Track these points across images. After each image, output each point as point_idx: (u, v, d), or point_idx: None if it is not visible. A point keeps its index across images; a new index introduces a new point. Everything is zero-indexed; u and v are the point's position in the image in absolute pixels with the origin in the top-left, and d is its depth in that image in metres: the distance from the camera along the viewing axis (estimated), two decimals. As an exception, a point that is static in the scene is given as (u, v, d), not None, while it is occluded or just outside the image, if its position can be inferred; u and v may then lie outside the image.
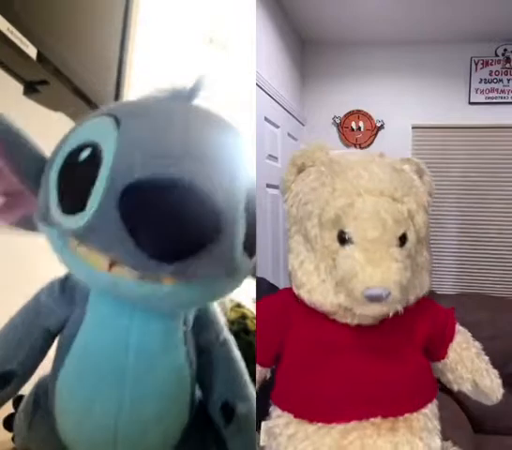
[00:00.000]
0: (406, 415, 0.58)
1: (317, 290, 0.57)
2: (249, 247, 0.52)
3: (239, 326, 1.04)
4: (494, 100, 2.01)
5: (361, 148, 2.06)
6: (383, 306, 0.54)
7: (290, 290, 0.62)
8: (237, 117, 0.57)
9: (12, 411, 0.72)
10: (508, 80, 2.00)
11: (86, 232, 0.46)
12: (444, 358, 0.65)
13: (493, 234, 2.02)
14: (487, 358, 0.67)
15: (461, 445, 0.74)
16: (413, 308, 0.61)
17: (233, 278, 0.53)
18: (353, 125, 2.09)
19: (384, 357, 0.59)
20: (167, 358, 0.58)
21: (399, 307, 0.56)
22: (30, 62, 0.75)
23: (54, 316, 0.61)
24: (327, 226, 0.56)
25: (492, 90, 2.01)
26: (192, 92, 0.53)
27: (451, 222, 2.03)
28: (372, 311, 0.55)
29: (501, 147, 2.01)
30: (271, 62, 1.69)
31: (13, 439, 0.71)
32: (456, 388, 0.66)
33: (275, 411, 0.61)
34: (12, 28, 0.68)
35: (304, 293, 0.58)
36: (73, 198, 0.48)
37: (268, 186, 1.63)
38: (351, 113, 2.09)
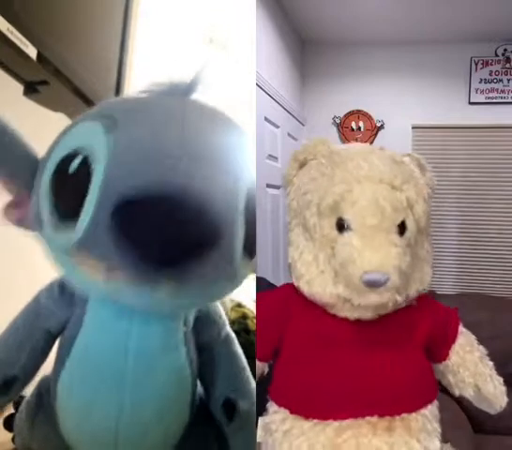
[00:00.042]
0: (404, 415, 0.57)
1: (316, 280, 0.57)
2: (249, 249, 0.51)
3: (240, 326, 1.04)
4: (494, 100, 2.01)
5: (361, 148, 2.05)
6: (381, 294, 0.53)
7: (290, 285, 0.62)
8: (237, 117, 0.57)
9: (12, 411, 0.72)
10: (508, 80, 2.00)
11: (81, 241, 0.46)
12: (445, 360, 0.64)
13: (493, 234, 2.02)
14: (491, 364, 0.66)
15: (461, 445, 0.73)
16: (414, 306, 0.60)
17: (233, 281, 0.53)
18: (353, 125, 2.09)
19: (384, 354, 0.58)
20: (167, 359, 0.58)
21: (399, 298, 0.55)
22: (30, 62, 0.75)
23: (55, 317, 0.60)
24: (326, 213, 0.56)
25: (492, 90, 2.01)
26: (190, 86, 0.53)
27: (451, 222, 2.03)
28: (371, 301, 0.53)
29: (501, 147, 2.01)
30: (271, 62, 1.69)
31: (13, 439, 0.71)
32: (457, 393, 0.65)
33: (272, 406, 0.60)
34: (12, 28, 0.68)
35: (303, 285, 0.58)
36: (67, 208, 0.47)
37: (268, 186, 1.63)
38: (351, 113, 2.09)
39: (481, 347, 0.66)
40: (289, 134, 1.88)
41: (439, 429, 0.60)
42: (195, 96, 0.53)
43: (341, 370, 0.57)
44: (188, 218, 0.43)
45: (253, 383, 0.66)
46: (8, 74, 0.78)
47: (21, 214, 0.55)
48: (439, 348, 0.64)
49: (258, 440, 0.62)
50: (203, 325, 0.64)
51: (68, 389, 0.58)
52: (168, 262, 0.43)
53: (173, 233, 0.42)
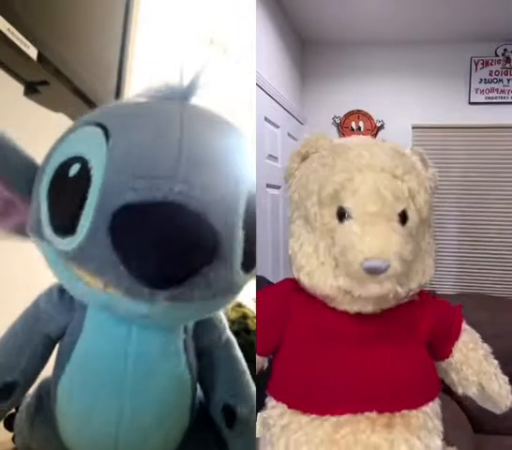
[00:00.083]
0: (404, 412, 0.55)
1: (316, 272, 0.56)
2: (250, 253, 0.51)
3: (240, 326, 1.04)
4: (494, 100, 2.01)
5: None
6: (382, 284, 0.52)
7: (289, 280, 0.61)
8: (237, 117, 0.57)
9: (13, 410, 0.72)
10: (508, 80, 2.00)
11: (79, 255, 0.45)
12: (448, 357, 0.63)
13: (493, 234, 2.02)
14: (496, 362, 0.64)
15: (461, 445, 0.73)
16: (416, 301, 0.60)
17: (232, 294, 0.53)
18: (353, 125, 2.09)
19: (384, 348, 0.57)
20: (167, 365, 0.58)
21: (400, 290, 0.54)
22: (30, 62, 0.75)
23: (54, 322, 0.60)
24: (326, 202, 0.55)
25: (492, 90, 2.01)
26: (189, 90, 0.52)
27: (451, 222, 2.03)
28: (371, 292, 0.52)
29: (501, 147, 2.01)
30: (271, 62, 1.70)
31: (13, 439, 0.71)
32: (460, 391, 0.63)
33: (270, 401, 0.59)
34: (13, 29, 0.68)
35: (303, 276, 0.57)
36: (63, 219, 0.46)
37: (268, 186, 1.63)
38: (351, 113, 2.09)
39: (485, 345, 0.65)
40: (289, 134, 1.88)
41: (440, 428, 0.59)
42: (194, 99, 0.53)
43: (340, 365, 0.56)
44: (188, 230, 0.42)
45: (253, 387, 0.65)
46: (9, 74, 0.78)
47: (12, 222, 0.55)
48: (442, 345, 0.63)
49: (257, 435, 0.62)
50: (204, 330, 0.63)
51: (68, 394, 0.58)
52: (165, 282, 0.43)
53: (169, 251, 0.41)
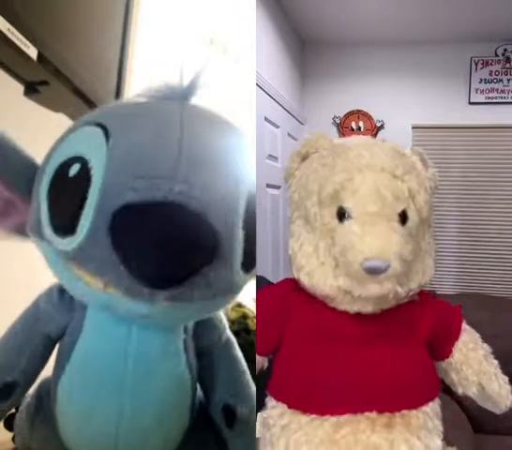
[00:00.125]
0: (404, 412, 0.55)
1: (316, 272, 0.56)
2: (250, 253, 0.51)
3: (240, 326, 1.04)
4: (494, 100, 2.01)
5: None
6: (382, 284, 0.52)
7: (289, 280, 0.61)
8: (237, 117, 0.57)
9: (13, 410, 0.72)
10: (508, 80, 2.00)
11: (79, 254, 0.45)
12: (448, 357, 0.63)
13: (493, 234, 2.02)
14: (496, 362, 0.64)
15: (461, 445, 0.72)
16: (416, 301, 0.60)
17: (232, 294, 0.53)
18: (353, 125, 2.09)
19: (383, 348, 0.57)
20: (166, 365, 0.58)
21: (400, 290, 0.54)
22: (30, 62, 0.75)
23: (54, 322, 0.60)
24: (326, 202, 0.55)
25: (492, 90, 2.01)
26: (188, 90, 0.52)
27: (451, 222, 2.03)
28: (371, 292, 0.52)
29: (501, 147, 2.01)
30: (271, 62, 1.70)
31: (13, 439, 0.71)
32: (460, 391, 0.63)
33: (270, 401, 0.59)
34: (13, 29, 0.68)
35: (303, 276, 0.57)
36: (63, 219, 0.46)
37: (268, 186, 1.63)
38: (351, 113, 2.09)
39: (485, 345, 0.65)
40: (289, 134, 1.88)
41: (440, 428, 0.59)
42: (194, 99, 0.53)
43: (340, 365, 0.56)
44: (189, 231, 0.42)
45: (253, 387, 0.65)
46: (9, 74, 0.78)
47: (12, 222, 0.55)
48: (442, 345, 0.63)
49: (257, 435, 0.62)
50: (204, 330, 0.63)
51: (68, 394, 0.58)
52: (165, 282, 0.43)
53: (169, 251, 0.41)
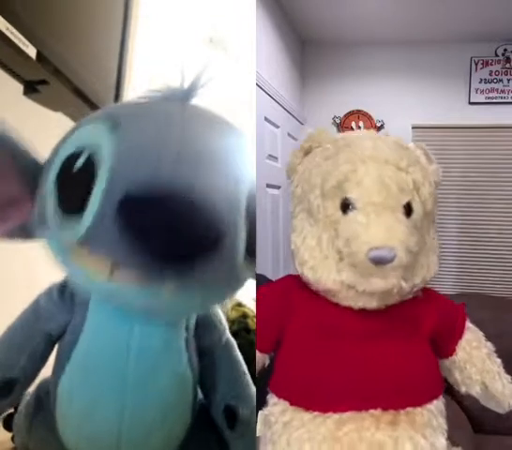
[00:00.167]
0: (408, 409, 0.55)
1: (319, 266, 0.55)
2: (250, 252, 0.51)
3: (240, 325, 1.04)
4: (494, 100, 2.01)
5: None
6: (386, 279, 0.51)
7: (291, 276, 0.61)
8: (237, 117, 0.57)
9: (11, 410, 0.72)
10: (508, 80, 2.00)
11: (86, 239, 0.46)
12: (452, 355, 0.62)
13: (493, 234, 2.02)
14: (499, 361, 0.64)
15: (461, 445, 0.73)
16: (420, 298, 0.59)
17: (235, 284, 0.53)
18: (353, 125, 2.09)
19: (387, 345, 0.56)
20: (169, 361, 0.58)
21: (404, 285, 0.53)
22: (30, 62, 0.75)
23: (55, 320, 0.60)
24: (330, 195, 0.55)
25: (492, 90, 2.01)
26: (189, 92, 0.53)
27: (451, 222, 2.03)
28: (376, 286, 0.52)
29: (501, 147, 2.00)
30: (271, 62, 1.69)
31: (13, 438, 0.71)
32: (464, 390, 0.63)
33: (271, 398, 0.59)
34: (12, 28, 0.68)
35: (306, 271, 0.56)
36: (72, 204, 0.47)
37: (268, 186, 1.63)
38: (351, 113, 2.09)
39: (489, 343, 0.65)
40: (289, 134, 1.88)
41: (445, 426, 0.58)
42: (194, 100, 0.54)
43: (343, 361, 0.56)
44: (193, 214, 0.43)
45: (253, 388, 0.65)
46: (8, 74, 0.78)
47: (12, 224, 0.55)
48: (445, 343, 0.62)
49: (258, 434, 0.62)
50: (205, 330, 0.64)
51: (69, 393, 0.58)
52: (173, 259, 0.44)
53: (178, 229, 0.43)
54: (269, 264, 1.61)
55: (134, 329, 0.55)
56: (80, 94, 0.92)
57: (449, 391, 0.65)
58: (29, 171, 0.54)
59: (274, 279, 0.71)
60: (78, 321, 0.58)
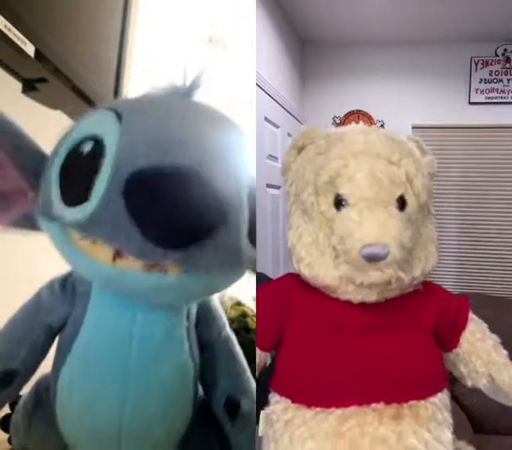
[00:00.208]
0: (411, 403, 0.54)
1: (316, 263, 0.56)
2: (251, 237, 0.51)
3: (239, 324, 1.03)
4: (494, 100, 2.01)
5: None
6: (383, 270, 0.51)
7: (291, 274, 0.61)
8: (237, 117, 0.57)
9: (8, 411, 0.71)
10: (508, 80, 2.00)
11: (90, 222, 0.46)
12: (456, 347, 0.61)
13: (493, 234, 2.02)
14: (505, 353, 0.63)
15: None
16: (421, 291, 0.59)
17: (237, 269, 0.53)
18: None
19: (388, 338, 0.56)
20: (170, 353, 0.58)
21: (402, 275, 0.53)
22: (28, 60, 0.75)
23: (56, 312, 0.60)
24: (322, 190, 0.55)
25: (492, 90, 2.01)
26: (190, 89, 0.54)
27: (451, 222, 2.03)
28: (373, 278, 0.52)
29: (501, 147, 2.00)
30: (271, 62, 1.69)
31: (9, 440, 0.70)
32: (470, 384, 0.62)
33: (273, 397, 0.58)
34: (10, 25, 0.68)
35: (303, 268, 0.56)
36: (76, 189, 0.48)
37: (268, 186, 1.62)
38: (351, 113, 2.09)
39: (494, 335, 0.64)
40: (289, 134, 1.88)
41: (450, 420, 0.57)
42: (196, 98, 0.54)
43: (344, 355, 0.55)
44: (197, 199, 0.44)
45: (253, 384, 0.65)
46: (6, 72, 0.78)
47: (9, 217, 0.56)
48: (449, 335, 0.62)
49: (260, 434, 0.61)
50: (205, 323, 0.64)
51: (69, 385, 0.58)
52: (176, 244, 0.44)
53: (181, 212, 0.43)
54: (269, 263, 1.60)
55: (137, 316, 0.56)
56: (79, 92, 0.92)
57: (449, 391, 0.64)
58: (31, 160, 0.54)
59: (274, 278, 0.71)
60: (79, 312, 0.59)
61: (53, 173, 0.50)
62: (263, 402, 0.61)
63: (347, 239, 0.51)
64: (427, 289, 0.61)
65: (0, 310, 0.63)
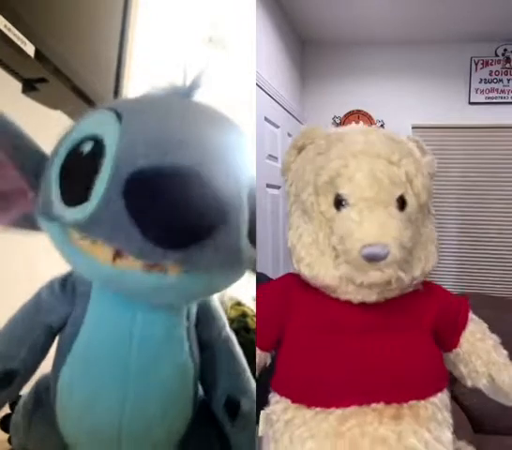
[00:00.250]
0: (411, 403, 0.54)
1: (316, 263, 0.56)
2: (251, 237, 0.51)
3: (239, 324, 1.03)
4: (494, 100, 2.01)
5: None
6: (383, 270, 0.51)
7: (291, 274, 0.61)
8: (237, 117, 0.57)
9: (8, 412, 0.71)
10: (508, 80, 2.00)
11: (90, 222, 0.46)
12: (456, 347, 0.61)
13: (493, 234, 2.02)
14: (505, 353, 0.63)
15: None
16: (421, 291, 0.59)
17: (237, 269, 0.53)
18: (353, 125, 2.09)
19: (388, 338, 0.56)
20: (170, 353, 0.58)
21: (402, 275, 0.53)
22: (28, 60, 0.74)
23: (56, 312, 0.60)
24: (322, 191, 0.55)
25: (492, 90, 2.01)
26: (190, 89, 0.54)
27: (451, 222, 2.03)
28: (373, 278, 0.52)
29: (501, 147, 2.00)
30: (271, 62, 1.69)
31: (9, 440, 0.70)
32: (470, 384, 0.62)
33: (273, 397, 0.58)
34: (10, 25, 0.68)
35: (303, 268, 0.57)
36: (76, 189, 0.48)
37: (268, 186, 1.62)
38: (351, 113, 2.09)
39: (494, 335, 0.64)
40: (289, 134, 1.88)
41: (450, 420, 0.57)
42: (196, 98, 0.54)
43: (343, 355, 0.55)
44: (197, 199, 0.44)
45: (253, 384, 0.65)
46: (6, 71, 0.78)
47: (9, 217, 0.56)
48: (449, 335, 0.62)
49: (260, 434, 0.61)
50: (205, 323, 0.64)
51: (69, 385, 0.58)
52: (176, 244, 0.44)
53: (181, 212, 0.43)
54: (269, 263, 1.60)
55: (137, 316, 0.56)
56: (79, 92, 0.92)
57: (449, 390, 0.64)
58: (31, 160, 0.54)
59: (274, 278, 0.71)
60: (79, 312, 0.59)
61: (53, 173, 0.50)
62: (263, 402, 0.61)
63: (347, 239, 0.51)
64: (427, 289, 0.61)
65: (0, 310, 0.63)
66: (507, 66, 2.00)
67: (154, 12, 1.39)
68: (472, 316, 0.64)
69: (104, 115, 0.50)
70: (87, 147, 0.48)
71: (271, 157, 1.66)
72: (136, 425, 0.56)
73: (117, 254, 0.45)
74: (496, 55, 2.00)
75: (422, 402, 0.55)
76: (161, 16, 1.46)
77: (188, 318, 0.61)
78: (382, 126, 2.07)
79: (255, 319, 0.65)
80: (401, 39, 2.00)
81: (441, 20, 1.82)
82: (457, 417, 1.21)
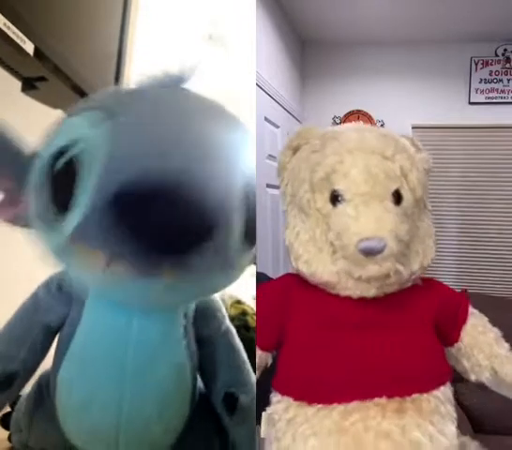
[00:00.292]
0: (414, 396, 0.54)
1: (314, 260, 0.56)
2: (250, 238, 0.51)
3: (239, 323, 1.03)
4: (494, 100, 2.01)
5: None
6: (380, 263, 0.51)
7: (290, 274, 0.61)
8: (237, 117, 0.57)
9: (8, 409, 0.71)
10: (508, 80, 2.00)
11: (80, 230, 0.45)
12: (457, 341, 0.61)
13: (493, 234, 2.02)
14: (507, 345, 0.62)
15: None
16: (420, 286, 0.59)
17: (233, 271, 0.52)
18: (353, 125, 2.09)
19: (388, 333, 0.56)
20: (167, 352, 0.58)
21: (401, 268, 0.53)
22: (28, 58, 0.74)
23: (54, 312, 0.60)
24: (318, 187, 0.55)
25: (492, 90, 2.01)
26: (182, 76, 0.52)
27: (451, 222, 2.03)
28: (371, 272, 0.52)
29: (501, 147, 2.00)
30: (271, 62, 1.69)
31: (9, 438, 0.70)
32: (473, 378, 0.61)
33: (275, 396, 0.58)
34: (9, 24, 0.68)
35: (301, 265, 0.57)
36: (64, 197, 0.46)
37: (268, 186, 1.62)
38: (351, 113, 2.09)
39: (495, 328, 0.64)
40: (289, 134, 1.87)
41: (454, 414, 0.57)
42: (188, 85, 0.53)
43: (343, 351, 0.55)
44: (188, 204, 0.43)
45: (253, 377, 0.65)
46: (5, 70, 0.78)
47: (14, 212, 0.55)
48: (450, 329, 0.61)
49: (262, 435, 0.61)
50: (203, 319, 0.64)
51: (68, 385, 0.58)
52: (168, 250, 0.43)
53: (171, 222, 0.42)
54: (269, 263, 1.60)
55: (132, 322, 0.55)
56: (79, 91, 0.92)
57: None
58: (22, 164, 0.52)
59: (274, 278, 0.71)
60: (75, 313, 0.58)
61: (40, 178, 0.49)
62: (264, 403, 0.61)
63: (344, 234, 0.52)
64: (426, 284, 0.61)
65: (0, 310, 0.63)
66: (507, 66, 2.00)
67: (154, 10, 1.39)
68: (472, 310, 0.64)
69: (91, 117, 0.48)
70: (73, 153, 0.46)
71: (271, 156, 1.66)
72: (134, 424, 0.56)
73: (111, 261, 0.45)
74: (496, 55, 2.00)
75: (425, 395, 0.55)
76: (161, 14, 1.46)
77: (185, 315, 0.60)
78: (382, 126, 2.07)
79: (255, 317, 0.65)
80: (401, 39, 2.00)
81: (441, 20, 1.82)
82: (457, 417, 1.21)
